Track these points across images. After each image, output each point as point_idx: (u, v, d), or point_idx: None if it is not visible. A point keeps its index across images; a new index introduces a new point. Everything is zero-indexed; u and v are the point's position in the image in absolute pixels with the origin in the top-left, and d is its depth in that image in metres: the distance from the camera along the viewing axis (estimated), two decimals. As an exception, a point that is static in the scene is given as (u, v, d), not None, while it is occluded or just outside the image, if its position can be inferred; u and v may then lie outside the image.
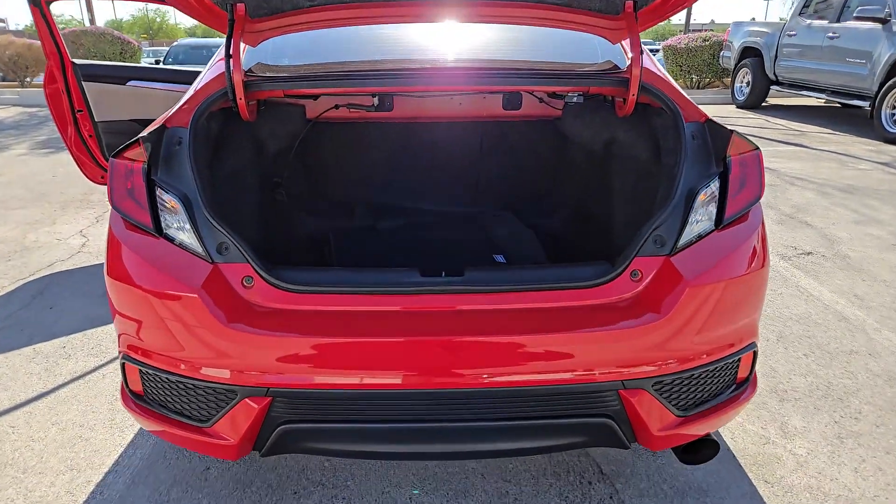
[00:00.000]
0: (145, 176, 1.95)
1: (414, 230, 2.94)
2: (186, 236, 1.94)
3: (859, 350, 3.48)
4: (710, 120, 2.19)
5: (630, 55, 2.18)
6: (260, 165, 2.59)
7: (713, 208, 2.02)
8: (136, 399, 2.04)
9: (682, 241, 1.96)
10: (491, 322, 1.86)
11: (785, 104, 13.14)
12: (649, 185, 2.53)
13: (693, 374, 1.93)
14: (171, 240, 1.94)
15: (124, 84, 4.49)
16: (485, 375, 1.80)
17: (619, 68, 2.28)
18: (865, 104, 9.62)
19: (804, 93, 11.02)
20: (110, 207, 1.99)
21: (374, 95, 2.54)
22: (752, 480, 2.48)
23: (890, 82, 8.94)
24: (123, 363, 2.01)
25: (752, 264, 1.99)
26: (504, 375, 1.81)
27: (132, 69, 4.82)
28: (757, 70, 11.98)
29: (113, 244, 1.98)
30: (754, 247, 2.02)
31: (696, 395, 1.99)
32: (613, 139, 2.64)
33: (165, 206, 1.96)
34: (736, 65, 12.65)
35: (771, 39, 11.64)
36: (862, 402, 2.99)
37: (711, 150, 2.10)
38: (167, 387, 1.95)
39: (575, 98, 2.52)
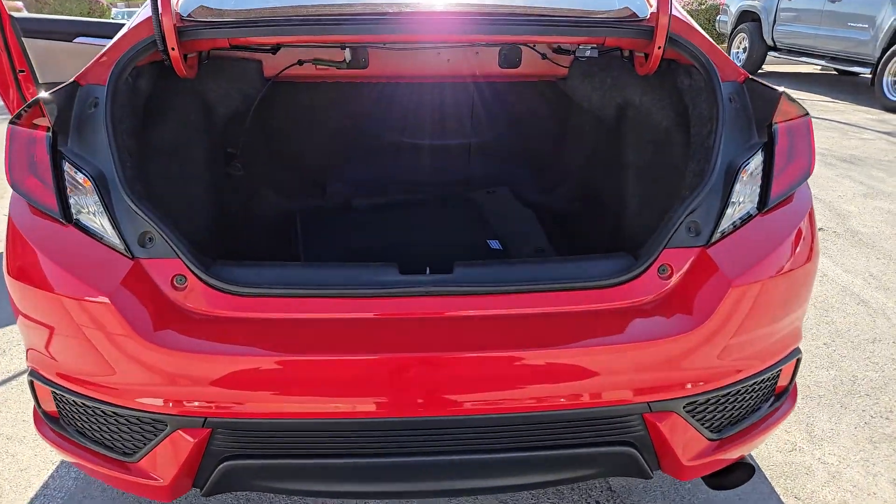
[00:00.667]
0: (50, 147, 1.53)
1: (395, 210, 2.55)
2: (100, 224, 1.53)
3: (883, 337, 3.18)
4: (751, 79, 1.80)
5: (654, 1, 1.78)
6: (208, 134, 2.18)
7: (756, 187, 1.65)
8: (51, 423, 1.66)
9: (721, 228, 1.60)
10: (487, 332, 1.49)
11: (782, 71, 12.75)
12: (670, 159, 2.15)
13: (733, 391, 1.58)
14: (82, 228, 1.53)
15: (71, 41, 3.98)
16: (480, 399, 1.44)
17: (639, 16, 1.88)
18: (866, 71, 9.26)
19: (803, 59, 10.63)
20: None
21: (343, 47, 2.12)
22: (781, 496, 2.18)
23: (892, 49, 8.57)
24: (31, 381, 1.62)
25: (803, 255, 1.63)
26: (503, 399, 1.45)
27: (80, 24, 4.29)
28: (755, 35, 11.53)
29: (12, 233, 1.57)
30: (803, 234, 1.66)
31: (731, 413, 1.65)
32: (628, 103, 2.25)
33: (76, 186, 1.55)
34: (732, 30, 12.18)
35: (770, 3, 11.17)
36: (892, 399, 2.70)
37: (752, 115, 1.72)
38: (84, 412, 1.56)
39: (588, 51, 2.13)
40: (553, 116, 2.65)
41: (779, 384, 1.76)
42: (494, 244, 2.24)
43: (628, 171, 2.27)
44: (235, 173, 2.35)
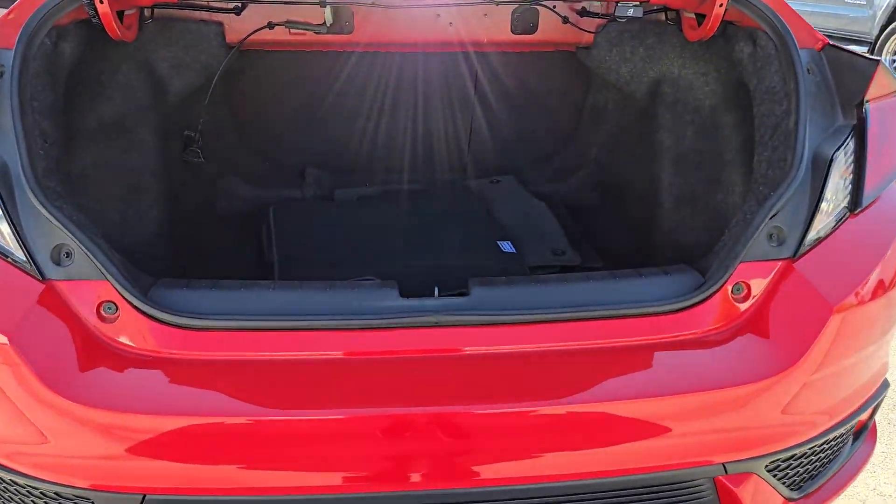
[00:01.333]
0: (-69, 130, 1.14)
1: (384, 204, 2.17)
2: (1, 234, 1.15)
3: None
4: (831, 45, 1.46)
5: None
6: (157, 113, 1.78)
7: (847, 183, 1.31)
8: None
9: (811, 235, 1.26)
10: (517, 376, 1.14)
11: (772, 50, 12.47)
12: (715, 144, 1.81)
13: (822, 441, 1.26)
14: (-25, 240, 1.15)
15: None
16: (510, 468, 1.09)
17: None
18: (864, 50, 9.00)
19: (797, 37, 10.35)
20: None
21: (323, 4, 1.73)
22: (837, 537, 1.88)
23: (892, 26, 8.31)
24: None
25: (904, 266, 1.30)
26: (539, 466, 1.10)
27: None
28: (747, 11, 11.22)
29: None
30: (901, 239, 1.33)
31: (814, 465, 1.33)
32: (664, 77, 1.89)
33: (-32, 182, 1.16)
34: (724, 6, 11.85)
35: (763, -22, 10.84)
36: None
37: (835, 91, 1.38)
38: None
39: (631, 9, 1.76)
40: (569, 93, 2.28)
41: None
42: (506, 246, 1.89)
43: (663, 158, 1.92)
44: (194, 160, 1.95)
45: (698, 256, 1.87)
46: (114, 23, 1.42)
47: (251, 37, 1.91)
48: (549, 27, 2.00)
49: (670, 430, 1.10)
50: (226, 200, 2.20)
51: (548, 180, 2.41)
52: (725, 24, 1.63)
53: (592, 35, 1.99)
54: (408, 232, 1.97)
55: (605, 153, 2.29)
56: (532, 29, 2.01)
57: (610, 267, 1.94)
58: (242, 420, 1.07)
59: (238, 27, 1.90)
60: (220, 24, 1.87)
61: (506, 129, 2.36)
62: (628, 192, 2.11)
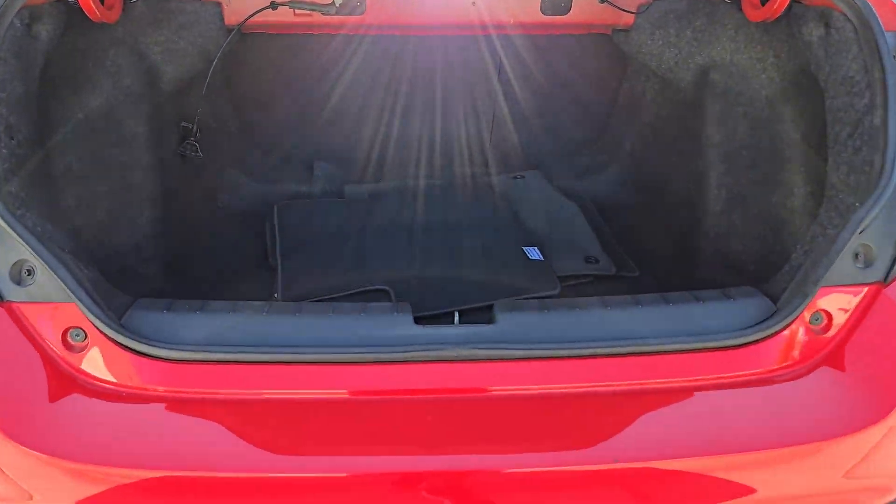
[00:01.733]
0: None
1: (397, 201, 1.99)
2: None
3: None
4: None
5: None
6: (150, 104, 1.60)
7: None
8: None
9: None
10: (549, 426, 0.96)
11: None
12: (771, 141, 1.60)
13: None
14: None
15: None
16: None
17: None
18: None
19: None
20: None
21: None
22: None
23: None
24: None
25: None
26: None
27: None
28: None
29: None
30: None
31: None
32: (714, 63, 1.68)
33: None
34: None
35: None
36: None
37: None
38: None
39: None
40: (602, 80, 2.07)
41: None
42: (533, 253, 1.70)
43: (710, 155, 1.71)
44: (191, 155, 1.78)
45: (749, 267, 1.67)
46: (91, 2, 1.25)
47: (252, 18, 1.72)
48: (583, 7, 1.79)
49: (741, 493, 0.92)
50: (228, 197, 2.03)
51: (577, 176, 2.21)
52: (792, 2, 1.41)
53: (632, 16, 1.78)
54: (423, 234, 1.79)
55: (641, 147, 2.08)
56: (564, 9, 1.80)
57: (647, 276, 1.75)
58: (231, 474, 0.91)
59: (238, 8, 1.71)
60: (219, 4, 1.69)
61: (532, 120, 2.16)
62: (668, 191, 1.91)
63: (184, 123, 1.78)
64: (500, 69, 2.05)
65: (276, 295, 1.57)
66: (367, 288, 1.56)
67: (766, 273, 1.59)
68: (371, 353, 0.98)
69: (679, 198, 1.84)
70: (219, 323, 1.02)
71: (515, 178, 2.19)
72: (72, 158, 1.48)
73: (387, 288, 1.55)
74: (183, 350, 0.96)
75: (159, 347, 0.96)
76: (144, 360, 0.97)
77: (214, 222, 1.92)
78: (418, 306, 1.42)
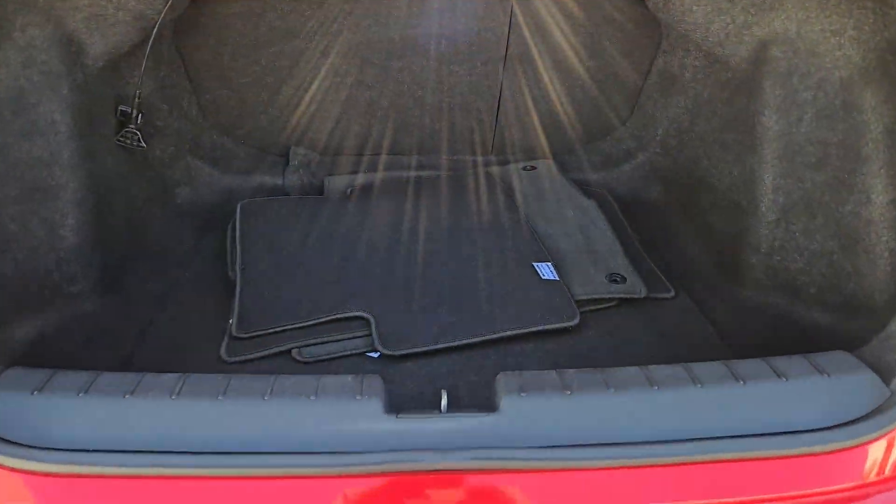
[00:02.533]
0: None
1: (385, 198, 1.68)
2: None
3: None
4: None
5: None
6: (73, 83, 1.28)
7: None
8: None
9: None
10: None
11: None
12: (847, 133, 1.28)
13: None
14: None
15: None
16: None
17: None
18: None
19: None
20: None
21: None
22: None
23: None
24: None
25: None
26: None
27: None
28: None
29: None
30: None
31: None
32: (776, 36, 1.34)
33: None
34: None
35: None
36: None
37: None
38: None
39: None
40: (632, 53, 1.73)
41: None
42: (545, 270, 1.39)
43: (765, 149, 1.38)
44: (132, 146, 1.47)
45: (810, 290, 1.36)
46: None
47: None
48: None
49: None
50: (187, 191, 1.73)
51: (596, 166, 1.89)
52: None
53: None
54: (413, 242, 1.49)
55: (675, 135, 1.75)
56: None
57: (684, 298, 1.44)
58: None
59: None
60: None
61: (546, 98, 1.83)
62: (708, 190, 1.59)
63: (122, 107, 1.46)
64: (509, 37, 1.71)
65: (230, 322, 1.28)
66: (340, 315, 1.27)
67: (830, 299, 1.29)
68: (321, 464, 0.69)
69: (723, 200, 1.53)
70: (110, 412, 0.73)
71: (525, 168, 1.87)
72: None
73: (366, 315, 1.27)
74: (49, 460, 0.67)
75: (15, 453, 0.67)
76: (21, 475, 0.69)
77: (168, 224, 1.62)
78: (403, 339, 1.14)
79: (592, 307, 1.36)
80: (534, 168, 1.87)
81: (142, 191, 1.57)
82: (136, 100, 1.46)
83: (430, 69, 1.74)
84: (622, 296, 1.38)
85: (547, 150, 1.92)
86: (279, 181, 1.81)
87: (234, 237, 1.51)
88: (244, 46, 1.66)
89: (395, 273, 1.38)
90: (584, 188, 1.78)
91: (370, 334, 1.24)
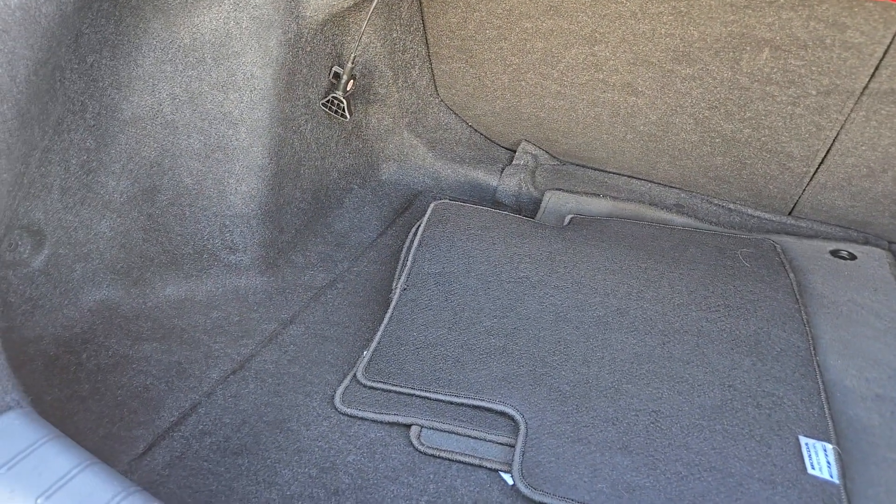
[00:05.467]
0: None
1: (610, 245, 1.24)
2: None
3: None
4: None
5: None
6: (280, 35, 1.10)
7: None
8: None
9: None
10: None
11: None
12: None
13: None
14: None
15: None
16: None
17: None
18: None
19: None
20: None
21: None
22: None
23: None
24: None
25: None
26: None
27: None
28: None
29: None
30: None
31: None
32: None
33: None
34: None
35: None
36: None
37: None
38: None
39: None
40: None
41: None
42: (820, 459, 0.83)
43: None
44: (336, 114, 1.26)
45: None
46: None
47: None
48: None
49: None
50: (394, 168, 1.52)
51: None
52: None
53: None
54: (616, 327, 1.05)
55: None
56: None
57: None
58: None
59: None
60: None
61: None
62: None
63: (336, 69, 1.26)
64: (882, 61, 1.08)
65: (363, 355, 1.04)
66: (485, 404, 0.93)
67: None
68: None
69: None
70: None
71: (838, 253, 1.25)
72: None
73: (515, 414, 0.91)
74: None
75: None
76: None
77: (359, 204, 1.43)
78: (553, 478, 0.79)
79: (884, 551, 0.79)
80: (853, 257, 1.24)
81: (341, 163, 1.39)
82: (350, 64, 1.24)
83: (732, 85, 1.21)
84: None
85: (884, 231, 1.27)
86: (494, 181, 1.50)
87: (411, 243, 1.25)
88: (495, 16, 1.33)
89: (578, 369, 0.98)
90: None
91: (513, 444, 0.89)
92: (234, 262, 1.18)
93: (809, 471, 0.83)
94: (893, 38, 1.06)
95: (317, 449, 0.90)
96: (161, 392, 0.97)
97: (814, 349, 1.01)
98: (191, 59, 1.08)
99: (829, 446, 0.85)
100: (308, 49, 1.18)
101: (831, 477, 0.82)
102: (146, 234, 1.11)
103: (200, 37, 1.07)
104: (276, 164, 1.18)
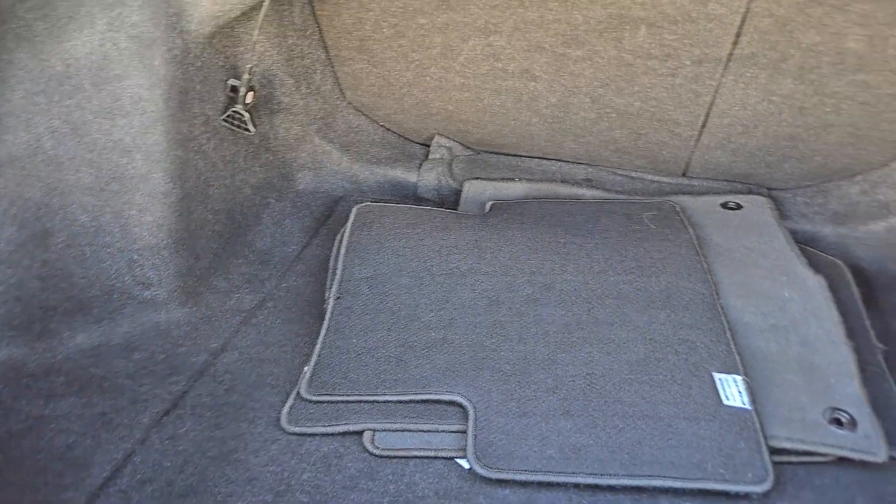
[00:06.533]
0: None
1: (530, 225, 1.32)
2: None
3: None
4: None
5: None
6: (164, 53, 1.08)
7: None
8: None
9: None
10: None
11: None
12: None
13: None
14: None
15: None
16: None
17: None
18: None
19: None
20: None
21: None
22: None
23: None
24: None
25: None
26: None
27: None
28: None
29: None
30: None
31: None
32: None
33: None
34: None
35: None
36: None
37: None
38: None
39: None
40: None
41: None
42: (732, 390, 0.94)
43: None
44: (238, 129, 1.25)
45: None
46: None
47: None
48: None
49: None
50: (309, 177, 1.53)
51: (832, 218, 1.36)
52: None
53: None
54: (545, 300, 1.13)
55: None
56: None
57: None
58: None
59: None
60: None
61: (778, 115, 1.32)
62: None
63: (232, 82, 1.26)
64: (741, 30, 1.21)
65: (304, 370, 1.05)
66: (432, 397, 0.98)
67: None
68: None
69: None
70: None
71: (727, 205, 1.39)
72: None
73: (462, 401, 0.97)
74: None
75: None
76: None
77: (277, 218, 1.43)
78: (507, 454, 0.85)
79: (793, 459, 0.92)
80: (739, 207, 1.38)
81: (252, 178, 1.38)
82: (247, 76, 1.24)
83: (619, 63, 1.31)
84: (846, 454, 0.91)
85: (761, 183, 1.42)
86: (413, 177, 1.54)
87: (338, 251, 1.27)
88: (391, 14, 1.36)
89: (515, 347, 1.04)
90: (810, 250, 1.28)
91: (465, 430, 0.94)
92: (149, 297, 1.14)
93: (725, 402, 0.94)
94: (747, 6, 1.18)
95: (269, 474, 0.90)
96: (87, 448, 0.91)
97: (717, 294, 1.13)
98: (66, 87, 1.03)
99: (739, 378, 0.97)
100: (199, 64, 1.16)
101: (744, 404, 0.94)
102: (43, 282, 1.05)
103: (75, 62, 1.03)
104: (180, 188, 1.15)
